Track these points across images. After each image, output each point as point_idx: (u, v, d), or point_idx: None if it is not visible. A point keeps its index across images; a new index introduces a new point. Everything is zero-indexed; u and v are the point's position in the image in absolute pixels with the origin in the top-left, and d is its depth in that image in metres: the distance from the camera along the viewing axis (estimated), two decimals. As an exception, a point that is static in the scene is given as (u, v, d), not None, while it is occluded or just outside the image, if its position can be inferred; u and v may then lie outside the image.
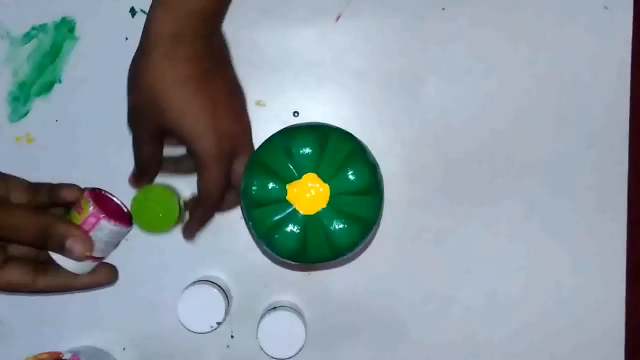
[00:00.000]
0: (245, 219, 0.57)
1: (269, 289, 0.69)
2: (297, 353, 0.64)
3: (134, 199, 0.62)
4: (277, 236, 0.55)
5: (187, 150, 0.60)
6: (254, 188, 0.55)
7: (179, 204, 0.63)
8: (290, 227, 0.55)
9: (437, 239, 0.69)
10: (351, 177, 0.54)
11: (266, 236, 0.55)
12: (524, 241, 0.69)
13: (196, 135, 0.56)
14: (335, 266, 0.69)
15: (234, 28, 0.68)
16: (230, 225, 0.68)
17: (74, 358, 0.62)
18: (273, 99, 0.68)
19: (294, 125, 0.58)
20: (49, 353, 0.62)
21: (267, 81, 0.68)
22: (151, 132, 0.59)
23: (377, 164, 0.56)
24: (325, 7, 0.67)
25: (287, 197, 0.55)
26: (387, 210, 0.66)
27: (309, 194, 0.55)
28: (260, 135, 0.67)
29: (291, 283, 0.69)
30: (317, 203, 0.55)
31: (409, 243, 0.69)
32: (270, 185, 0.55)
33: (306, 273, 0.69)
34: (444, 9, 0.68)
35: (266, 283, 0.69)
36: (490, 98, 0.68)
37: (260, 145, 0.57)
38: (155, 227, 0.63)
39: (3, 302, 0.68)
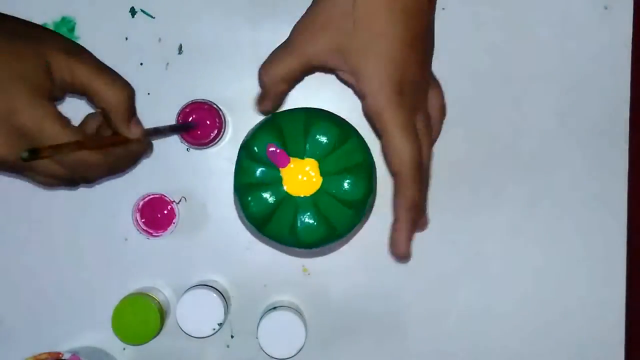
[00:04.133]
0: (235, 165, 0.56)
1: (268, 289, 0.69)
2: (297, 353, 0.64)
3: (115, 310, 0.64)
4: (250, 196, 0.54)
5: (358, 92, 0.54)
6: (257, 142, 0.54)
7: (160, 313, 0.64)
8: (267, 195, 0.54)
9: (437, 239, 0.69)
10: (346, 185, 0.54)
11: (243, 189, 0.55)
12: (524, 242, 0.69)
13: (379, 71, 0.51)
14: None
15: (234, 28, 0.68)
16: (231, 223, 0.68)
17: (73, 358, 0.62)
18: (273, 99, 0.68)
19: (324, 110, 0.57)
20: (49, 353, 0.62)
21: (267, 81, 0.68)
22: (304, 58, 0.54)
23: (376, 189, 0.56)
24: (325, 7, 0.67)
25: (283, 179, 0.54)
26: (387, 210, 0.66)
27: (302, 176, 0.54)
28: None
29: (291, 283, 0.69)
30: (304, 189, 0.54)
31: (409, 243, 0.69)
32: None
33: (306, 273, 0.69)
34: (444, 8, 0.68)
35: (266, 283, 0.69)
36: (490, 98, 0.68)
37: (284, 110, 0.56)
38: (137, 338, 0.64)
39: (3, 302, 0.69)
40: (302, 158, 0.54)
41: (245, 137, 0.56)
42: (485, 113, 0.68)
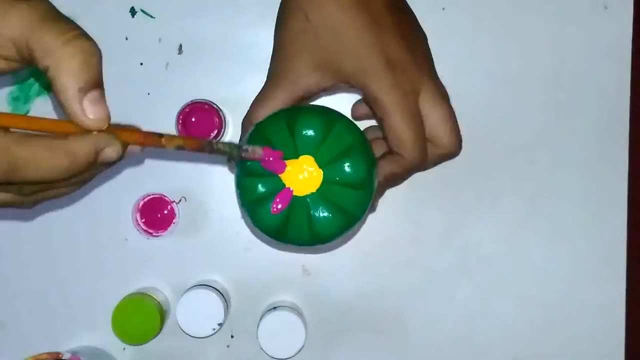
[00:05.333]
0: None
1: (269, 289, 0.69)
2: (297, 353, 0.64)
3: (115, 310, 0.64)
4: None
5: (363, 90, 0.53)
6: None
7: (160, 313, 0.64)
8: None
9: (437, 238, 0.69)
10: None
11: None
12: (524, 241, 0.69)
13: (361, 63, 0.51)
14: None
15: (234, 28, 0.68)
16: (231, 223, 0.68)
17: (73, 358, 0.62)
18: (273, 99, 0.68)
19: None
20: (49, 353, 0.62)
21: (267, 81, 0.68)
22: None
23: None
24: (325, 7, 0.67)
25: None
26: (387, 210, 0.66)
27: (302, 175, 0.54)
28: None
29: (291, 283, 0.69)
30: (308, 186, 0.54)
31: (408, 243, 0.69)
32: None
33: (306, 273, 0.69)
34: (444, 8, 0.68)
35: (266, 283, 0.69)
36: (490, 97, 0.68)
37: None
38: (137, 338, 0.65)
39: (3, 302, 0.69)
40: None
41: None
42: (485, 113, 0.68)
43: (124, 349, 0.69)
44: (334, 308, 0.69)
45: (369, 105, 0.54)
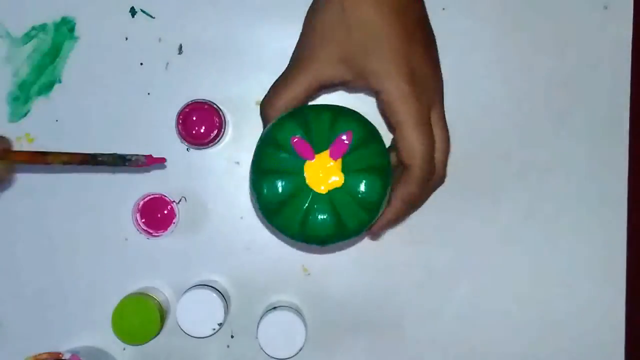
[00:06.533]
0: (251, 189, 0.55)
1: (269, 289, 0.69)
2: (297, 353, 0.64)
3: (115, 310, 0.64)
4: (266, 181, 0.53)
5: (376, 93, 0.54)
6: (283, 130, 0.53)
7: (160, 313, 0.64)
8: (284, 182, 0.53)
9: (436, 238, 0.69)
10: (363, 187, 0.53)
11: (259, 175, 0.54)
12: (524, 241, 0.69)
13: (386, 66, 0.52)
14: (332, 255, 0.69)
15: (234, 28, 0.68)
16: (231, 223, 0.69)
17: (73, 358, 0.62)
18: (273, 99, 0.68)
19: (350, 109, 0.55)
20: (49, 353, 0.62)
21: (267, 81, 0.67)
22: (318, 72, 0.54)
23: (388, 197, 0.55)
24: (325, 7, 0.67)
25: (305, 172, 0.53)
26: (387, 210, 0.66)
27: (322, 172, 0.53)
28: (260, 134, 0.68)
29: (291, 283, 0.69)
30: (323, 184, 0.53)
31: (408, 243, 0.69)
32: (282, 155, 0.53)
33: (306, 273, 0.69)
34: (444, 9, 0.68)
35: (266, 283, 0.69)
36: (490, 97, 0.68)
37: (311, 104, 0.55)
38: (137, 338, 0.64)
39: (3, 302, 0.69)
40: (327, 149, 0.53)
41: (271, 124, 0.55)
42: (485, 112, 0.68)
43: (124, 349, 0.69)
44: (334, 308, 0.69)
45: (383, 113, 0.55)
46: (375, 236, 0.65)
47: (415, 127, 0.53)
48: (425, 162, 0.53)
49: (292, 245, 0.68)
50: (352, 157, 0.53)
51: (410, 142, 0.53)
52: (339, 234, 0.54)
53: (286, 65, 0.57)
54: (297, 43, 0.56)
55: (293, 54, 0.56)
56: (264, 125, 0.57)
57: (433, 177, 0.55)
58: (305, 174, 0.53)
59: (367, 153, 0.53)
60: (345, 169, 0.53)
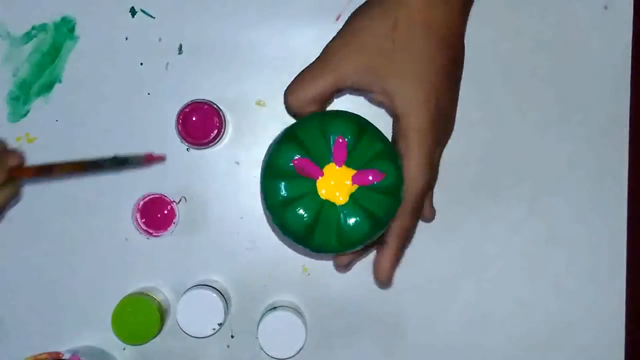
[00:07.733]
0: (276, 224, 0.55)
1: (269, 289, 0.69)
2: (297, 353, 0.64)
3: (115, 310, 0.64)
4: (288, 214, 0.53)
5: (393, 113, 0.54)
6: (282, 157, 0.53)
7: (160, 313, 0.64)
8: (304, 207, 0.53)
9: (437, 238, 0.69)
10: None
11: (276, 210, 0.54)
12: (524, 241, 0.69)
13: (416, 94, 0.52)
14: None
15: (234, 28, 0.68)
16: (231, 223, 0.69)
17: (73, 358, 0.62)
18: (273, 99, 0.68)
19: (333, 110, 0.56)
20: (49, 353, 0.62)
21: (267, 81, 0.68)
22: (340, 77, 0.54)
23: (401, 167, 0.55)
24: (325, 7, 0.67)
25: (319, 191, 0.53)
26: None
27: (333, 181, 0.53)
28: (260, 135, 0.68)
29: (291, 283, 0.69)
30: (339, 192, 0.53)
31: (409, 243, 0.69)
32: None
33: (306, 273, 0.69)
34: (444, 9, 0.68)
35: (266, 283, 0.69)
36: (489, 97, 0.68)
37: (297, 121, 0.55)
38: (137, 338, 0.65)
39: (3, 302, 0.69)
40: (330, 161, 0.53)
41: (267, 154, 0.55)
42: (484, 112, 0.68)
43: (124, 349, 0.69)
44: (334, 308, 0.69)
45: (395, 132, 0.54)
46: (386, 283, 0.59)
47: (423, 163, 0.53)
48: (418, 199, 0.54)
49: (293, 246, 0.68)
50: (354, 154, 0.54)
51: (413, 175, 0.53)
52: (375, 227, 0.54)
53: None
54: (335, 38, 0.55)
55: (332, 42, 0.55)
56: (288, 112, 0.57)
57: (418, 211, 0.55)
58: (320, 193, 0.53)
59: (366, 144, 0.54)
60: (353, 168, 0.53)
